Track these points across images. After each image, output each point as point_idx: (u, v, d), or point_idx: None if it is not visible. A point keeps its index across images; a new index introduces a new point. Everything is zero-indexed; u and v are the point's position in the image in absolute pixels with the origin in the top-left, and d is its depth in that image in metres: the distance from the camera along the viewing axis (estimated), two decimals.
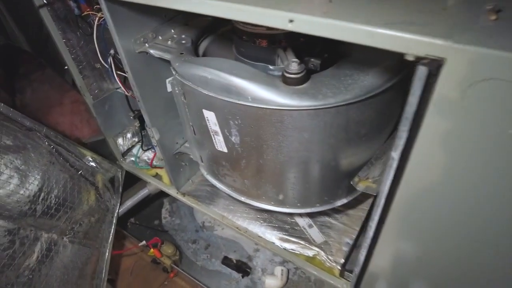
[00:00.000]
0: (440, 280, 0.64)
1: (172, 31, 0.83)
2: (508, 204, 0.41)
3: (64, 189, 0.96)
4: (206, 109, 0.69)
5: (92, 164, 1.11)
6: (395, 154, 0.47)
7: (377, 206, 0.57)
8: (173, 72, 0.72)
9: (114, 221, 1.14)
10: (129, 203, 1.21)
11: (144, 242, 1.11)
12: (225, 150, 0.74)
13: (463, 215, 0.47)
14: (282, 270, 1.12)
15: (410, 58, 0.37)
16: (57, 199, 0.93)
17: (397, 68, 0.63)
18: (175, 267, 1.16)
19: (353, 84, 0.60)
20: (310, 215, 0.97)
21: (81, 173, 1.04)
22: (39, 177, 0.89)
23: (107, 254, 1.07)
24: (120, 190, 1.19)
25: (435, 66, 0.36)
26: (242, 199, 0.84)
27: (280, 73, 0.62)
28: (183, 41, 0.79)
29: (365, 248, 0.67)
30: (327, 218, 0.96)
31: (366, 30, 0.38)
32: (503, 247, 0.47)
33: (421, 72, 0.37)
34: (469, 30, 0.35)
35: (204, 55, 0.83)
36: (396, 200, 0.53)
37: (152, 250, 1.11)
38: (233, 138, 0.70)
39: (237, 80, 0.61)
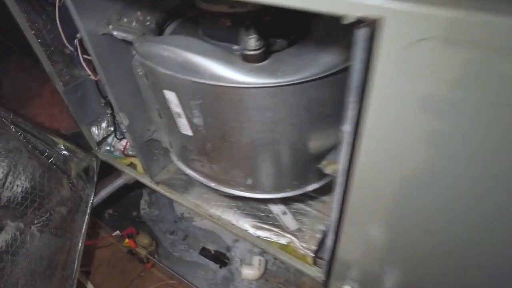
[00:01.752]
0: (411, 265, 0.62)
1: (138, 13, 0.80)
2: (467, 170, 0.39)
3: (32, 177, 0.93)
4: (167, 89, 0.67)
5: (65, 152, 1.09)
6: (348, 127, 0.46)
7: (338, 184, 0.55)
8: (133, 53, 0.70)
9: (88, 211, 1.11)
10: (104, 193, 1.18)
11: (118, 232, 1.09)
12: (190, 133, 0.72)
13: (424, 191, 0.46)
14: (260, 260, 1.10)
15: (350, 20, 0.35)
16: (24, 187, 0.91)
17: None
18: (151, 258, 1.14)
19: (313, 62, 0.58)
20: (285, 202, 0.95)
21: (52, 161, 1.02)
22: (4, 164, 0.87)
23: (80, 244, 1.05)
24: (95, 179, 1.17)
25: (374, 27, 0.34)
26: (212, 185, 0.82)
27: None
28: (148, 23, 0.76)
29: (332, 232, 0.65)
30: (301, 205, 0.94)
31: None
32: (466, 225, 0.46)
33: (362, 34, 0.35)
34: None
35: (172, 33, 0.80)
36: (356, 178, 0.51)
37: (127, 240, 1.09)
38: (195, 120, 0.68)
39: (193, 57, 0.59)
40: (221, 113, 0.63)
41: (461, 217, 0.45)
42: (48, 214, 0.97)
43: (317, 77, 0.57)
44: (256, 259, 1.10)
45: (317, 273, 0.81)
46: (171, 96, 0.67)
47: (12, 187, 0.88)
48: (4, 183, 0.86)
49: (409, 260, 0.61)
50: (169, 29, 0.82)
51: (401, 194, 0.49)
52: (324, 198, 0.95)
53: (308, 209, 0.94)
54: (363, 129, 0.43)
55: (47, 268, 0.93)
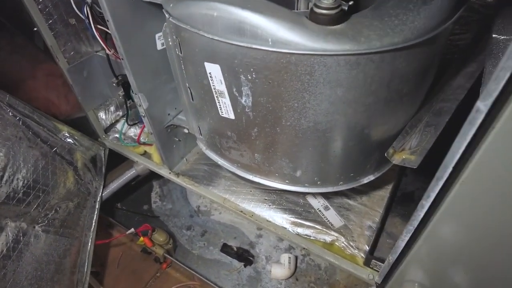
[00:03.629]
0: (482, 272, 0.53)
1: None
2: None
3: (34, 169, 0.80)
4: (209, 61, 0.54)
5: (70, 140, 0.95)
6: (483, 105, 0.34)
7: (437, 179, 0.44)
8: (167, 16, 0.57)
9: (97, 206, 0.99)
10: (114, 185, 1.06)
11: (132, 229, 0.97)
12: (232, 116, 0.60)
13: None
14: (289, 257, 1.00)
15: None
16: (25, 181, 0.78)
17: (454, 4, 0.50)
18: (169, 256, 1.02)
19: (401, 25, 0.47)
20: (325, 195, 0.84)
21: (55, 150, 0.88)
22: (1, 154, 0.74)
23: (89, 244, 0.93)
24: (103, 170, 1.04)
25: None
26: (251, 177, 0.71)
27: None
28: None
29: (408, 232, 0.55)
30: (344, 199, 0.84)
31: None
32: None
33: None
34: None
35: None
36: (468, 171, 0.41)
37: (141, 238, 0.97)
38: (243, 100, 0.56)
39: (252, 16, 0.46)
40: (280, 90, 0.51)
41: None
42: (53, 211, 0.85)
43: (411, 43, 0.45)
44: (285, 257, 1.00)
45: (370, 275, 0.72)
46: (214, 70, 0.55)
47: (12, 181, 0.75)
48: (2, 177, 0.73)
49: (482, 268, 0.52)
50: None
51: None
52: (370, 191, 0.85)
53: (353, 203, 0.83)
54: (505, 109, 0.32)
55: (55, 273, 0.81)
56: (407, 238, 0.56)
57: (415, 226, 0.53)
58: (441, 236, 0.53)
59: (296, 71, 0.48)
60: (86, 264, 0.90)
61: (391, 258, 0.62)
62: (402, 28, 0.46)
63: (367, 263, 0.73)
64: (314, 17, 0.47)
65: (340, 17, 0.47)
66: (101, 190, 1.02)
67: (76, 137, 0.97)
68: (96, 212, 0.98)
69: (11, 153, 0.76)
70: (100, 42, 0.76)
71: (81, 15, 0.73)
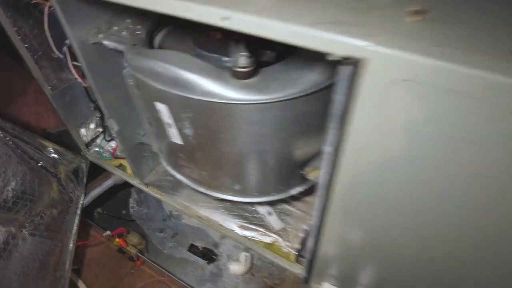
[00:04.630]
0: (388, 265, 0.67)
1: (128, 21, 0.82)
2: (433, 184, 0.44)
3: (22, 182, 0.95)
4: (158, 101, 0.69)
5: (54, 155, 1.10)
6: (330, 149, 0.50)
7: (319, 196, 0.60)
8: (125, 64, 0.72)
9: (78, 212, 1.13)
10: (94, 193, 1.20)
11: (108, 232, 1.12)
12: (180, 142, 0.75)
13: (398, 201, 0.50)
14: (246, 256, 1.15)
15: (335, 58, 0.39)
16: (15, 192, 0.92)
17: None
18: (141, 255, 1.17)
19: (299, 79, 0.62)
20: (270, 203, 0.99)
21: (41, 164, 1.03)
22: None
23: (71, 245, 1.07)
24: (85, 180, 1.18)
25: (357, 66, 0.38)
26: (201, 190, 0.86)
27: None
28: (138, 32, 0.78)
29: (312, 236, 0.70)
30: (286, 206, 0.99)
31: (293, 29, 0.39)
32: (443, 228, 0.50)
33: (347, 71, 0.39)
34: (392, 30, 0.37)
35: (160, 45, 0.82)
36: (336, 190, 0.56)
37: (117, 239, 1.12)
38: (186, 131, 0.71)
39: (184, 73, 0.61)
40: (211, 126, 0.67)
41: (432, 219, 0.50)
42: (39, 217, 0.99)
43: (303, 94, 0.61)
44: (243, 256, 1.15)
45: (299, 270, 0.87)
46: (162, 108, 0.70)
47: (3, 192, 0.89)
48: None
49: (384, 260, 0.66)
50: (159, 37, 0.84)
51: (376, 206, 0.54)
52: (307, 198, 1.00)
53: (292, 209, 0.99)
54: (343, 152, 0.48)
55: (40, 270, 0.95)
56: (313, 240, 0.72)
57: (315, 231, 0.68)
58: (337, 238, 0.68)
59: (220, 113, 0.63)
60: (68, 262, 1.05)
61: (307, 256, 0.78)
62: (300, 81, 0.62)
63: (297, 260, 0.88)
64: (233, 73, 0.62)
65: (252, 73, 0.62)
66: (82, 198, 1.16)
67: (59, 152, 1.11)
68: (77, 217, 1.12)
69: (2, 169, 0.90)
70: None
71: (59, 54, 0.87)
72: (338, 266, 0.77)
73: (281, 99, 0.60)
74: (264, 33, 0.42)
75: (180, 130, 0.72)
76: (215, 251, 1.22)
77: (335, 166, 0.52)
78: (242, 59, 0.60)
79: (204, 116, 0.66)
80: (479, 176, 0.39)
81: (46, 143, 1.08)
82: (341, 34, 0.37)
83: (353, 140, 0.45)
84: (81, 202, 1.15)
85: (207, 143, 0.71)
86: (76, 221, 1.11)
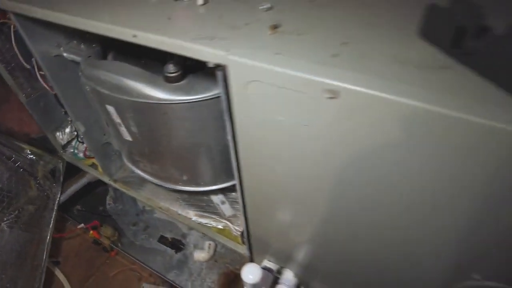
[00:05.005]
0: (308, 242, 0.77)
1: (87, 35, 0.94)
2: (296, 162, 0.55)
3: (0, 180, 1.06)
4: (108, 104, 0.81)
5: (31, 156, 1.21)
6: (229, 137, 0.61)
7: (236, 181, 0.71)
8: (79, 74, 0.84)
9: (55, 208, 1.24)
10: (70, 191, 1.31)
11: (82, 224, 1.23)
12: (130, 139, 0.87)
13: (294, 186, 0.61)
14: (209, 244, 1.26)
15: (211, 65, 0.50)
16: None
17: None
18: (114, 246, 1.28)
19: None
20: (224, 192, 1.10)
21: (18, 165, 1.14)
22: None
23: (48, 237, 1.18)
24: (61, 179, 1.29)
25: (225, 70, 0.49)
26: (155, 181, 0.97)
27: None
28: (94, 45, 0.90)
29: (243, 219, 0.81)
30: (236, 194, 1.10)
31: (178, 44, 0.51)
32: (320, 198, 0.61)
33: (220, 74, 0.51)
34: (248, 43, 0.49)
35: (114, 57, 0.94)
36: (244, 174, 0.68)
37: (91, 232, 1.23)
38: (132, 128, 0.82)
39: (124, 80, 0.73)
40: (151, 123, 0.78)
41: (325, 198, 0.61)
42: (16, 211, 1.10)
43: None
44: (207, 244, 1.26)
45: (245, 250, 0.98)
46: (111, 109, 0.81)
47: None
48: None
49: (297, 237, 0.76)
50: (112, 49, 0.96)
51: (276, 189, 0.64)
52: None
53: None
54: (237, 138, 0.59)
55: (17, 259, 1.06)
56: (244, 223, 0.83)
57: (244, 214, 0.79)
58: (258, 222, 0.79)
59: (156, 112, 0.75)
60: (45, 252, 1.16)
61: (246, 237, 0.89)
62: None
63: (242, 241, 0.99)
64: (165, 78, 0.74)
65: (180, 77, 0.73)
66: (59, 195, 1.27)
67: (37, 154, 1.23)
68: (54, 213, 1.23)
69: None
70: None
71: (27, 66, 0.99)
72: (269, 245, 0.87)
73: (205, 98, 0.72)
74: (161, 47, 0.53)
75: (128, 128, 0.84)
76: (183, 241, 1.33)
77: (237, 153, 0.63)
78: (170, 66, 0.72)
79: (143, 115, 0.77)
80: (319, 152, 0.50)
81: (23, 145, 1.20)
82: (210, 47, 0.49)
83: (239, 128, 0.57)
84: (57, 198, 1.26)
85: (151, 139, 0.83)
86: (53, 216, 1.23)
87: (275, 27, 0.51)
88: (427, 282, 0.58)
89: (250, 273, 0.80)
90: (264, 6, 0.56)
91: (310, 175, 0.55)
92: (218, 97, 0.72)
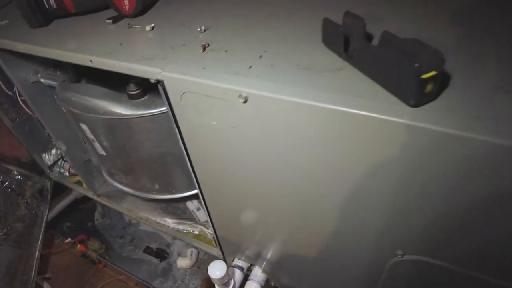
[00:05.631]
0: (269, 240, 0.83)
1: (62, 62, 1.03)
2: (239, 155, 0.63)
3: None
4: (81, 122, 0.89)
5: (19, 177, 1.29)
6: (181, 143, 0.69)
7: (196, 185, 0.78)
8: (55, 97, 0.92)
9: (43, 225, 1.31)
10: (58, 208, 1.38)
11: (69, 239, 1.30)
12: (104, 153, 0.94)
13: (242, 184, 0.68)
14: (191, 251, 1.32)
15: (153, 81, 0.58)
16: None
17: None
18: (101, 259, 1.34)
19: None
20: (197, 198, 1.17)
21: (6, 185, 1.22)
22: None
23: (36, 253, 1.25)
24: (49, 198, 1.37)
25: (163, 85, 0.57)
26: (131, 192, 1.04)
27: None
28: (68, 70, 0.99)
29: (210, 222, 0.88)
30: None
31: (125, 66, 0.59)
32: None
33: (160, 88, 0.59)
34: (182, 60, 0.57)
35: (88, 80, 1.02)
36: (200, 181, 0.75)
37: (78, 245, 1.29)
38: (104, 143, 0.90)
39: (91, 100, 0.81)
40: (119, 137, 0.86)
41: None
42: (5, 229, 1.17)
43: None
44: (189, 251, 1.32)
45: (218, 252, 1.04)
46: (85, 127, 0.90)
47: None
48: None
49: (263, 233, 0.83)
50: (85, 74, 1.04)
51: (229, 190, 0.72)
52: None
53: None
54: (186, 142, 0.67)
55: (6, 274, 1.13)
56: (211, 226, 0.90)
57: (209, 218, 0.86)
58: (222, 222, 0.86)
59: (122, 127, 0.83)
60: (34, 268, 1.22)
61: (215, 239, 0.95)
62: None
63: (215, 244, 1.05)
64: (128, 96, 0.82)
65: (141, 94, 0.81)
66: (47, 212, 1.34)
67: (24, 175, 1.30)
68: (42, 230, 1.30)
69: None
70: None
71: (10, 93, 1.08)
72: (236, 245, 0.94)
73: (164, 111, 0.80)
74: (112, 69, 0.62)
75: (101, 144, 0.92)
76: (167, 250, 1.39)
77: (189, 158, 0.71)
78: (131, 85, 0.80)
79: (112, 130, 0.85)
80: (249, 149, 0.57)
81: (10, 167, 1.27)
82: (150, 66, 0.57)
83: (185, 134, 0.64)
84: (45, 216, 1.33)
85: (121, 152, 0.90)
86: (42, 233, 1.29)
87: (206, 46, 0.59)
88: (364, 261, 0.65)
89: (217, 269, 0.86)
90: (202, 28, 0.64)
91: (252, 174, 0.63)
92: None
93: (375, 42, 0.50)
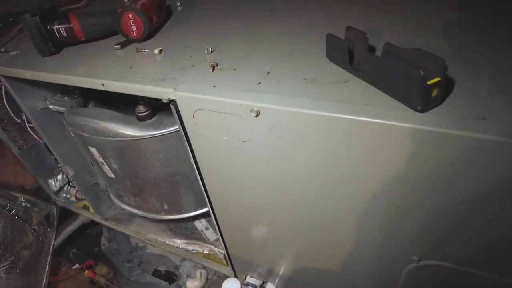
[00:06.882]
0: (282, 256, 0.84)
1: (70, 88, 1.05)
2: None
3: None
4: (90, 146, 0.91)
5: (26, 204, 1.29)
6: (192, 161, 0.70)
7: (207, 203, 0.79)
8: (64, 122, 0.94)
9: (50, 252, 1.30)
10: (65, 233, 1.38)
11: (77, 265, 1.28)
12: (113, 175, 0.95)
13: (253, 200, 0.69)
14: (201, 272, 1.31)
15: (165, 101, 0.60)
16: None
17: None
18: (110, 284, 1.33)
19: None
20: (206, 217, 1.17)
21: (13, 213, 1.22)
22: None
23: (44, 281, 1.23)
24: (55, 224, 1.36)
25: (175, 104, 0.59)
26: (140, 213, 1.05)
27: None
28: (76, 96, 1.01)
29: (221, 241, 0.89)
30: None
31: (137, 87, 0.61)
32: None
33: (173, 107, 0.61)
34: (193, 80, 0.59)
35: (96, 104, 1.05)
36: (212, 199, 0.76)
37: (86, 271, 1.28)
38: (113, 166, 0.92)
39: (100, 123, 0.83)
40: (129, 159, 0.87)
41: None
42: (13, 257, 1.16)
43: None
44: (198, 272, 1.31)
45: (229, 270, 1.04)
46: (94, 150, 0.91)
47: None
48: None
49: (280, 253, 0.83)
50: (92, 98, 1.07)
51: (242, 207, 0.73)
52: None
53: None
54: (197, 158, 0.68)
55: None
56: (223, 244, 0.90)
57: (221, 237, 0.87)
58: (235, 241, 0.86)
59: (132, 148, 0.84)
60: None
61: (227, 257, 0.95)
62: None
63: (226, 262, 1.05)
64: (137, 117, 0.84)
65: (150, 116, 0.83)
66: (53, 239, 1.33)
67: (31, 201, 1.30)
68: (49, 257, 1.29)
69: None
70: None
71: (18, 120, 1.10)
72: (248, 262, 0.93)
73: (173, 131, 0.82)
74: (124, 91, 0.64)
75: (110, 166, 0.93)
76: (176, 272, 1.37)
77: (201, 176, 0.72)
78: (140, 107, 0.82)
79: (121, 152, 0.86)
80: (263, 163, 0.59)
81: (17, 194, 1.28)
82: (162, 86, 0.59)
83: (197, 152, 0.66)
84: (52, 242, 1.32)
85: (130, 173, 0.91)
86: (49, 260, 1.28)
87: (215, 65, 0.62)
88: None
89: (231, 287, 0.85)
90: (209, 49, 0.67)
91: (265, 188, 0.64)
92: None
93: (378, 53, 0.52)
